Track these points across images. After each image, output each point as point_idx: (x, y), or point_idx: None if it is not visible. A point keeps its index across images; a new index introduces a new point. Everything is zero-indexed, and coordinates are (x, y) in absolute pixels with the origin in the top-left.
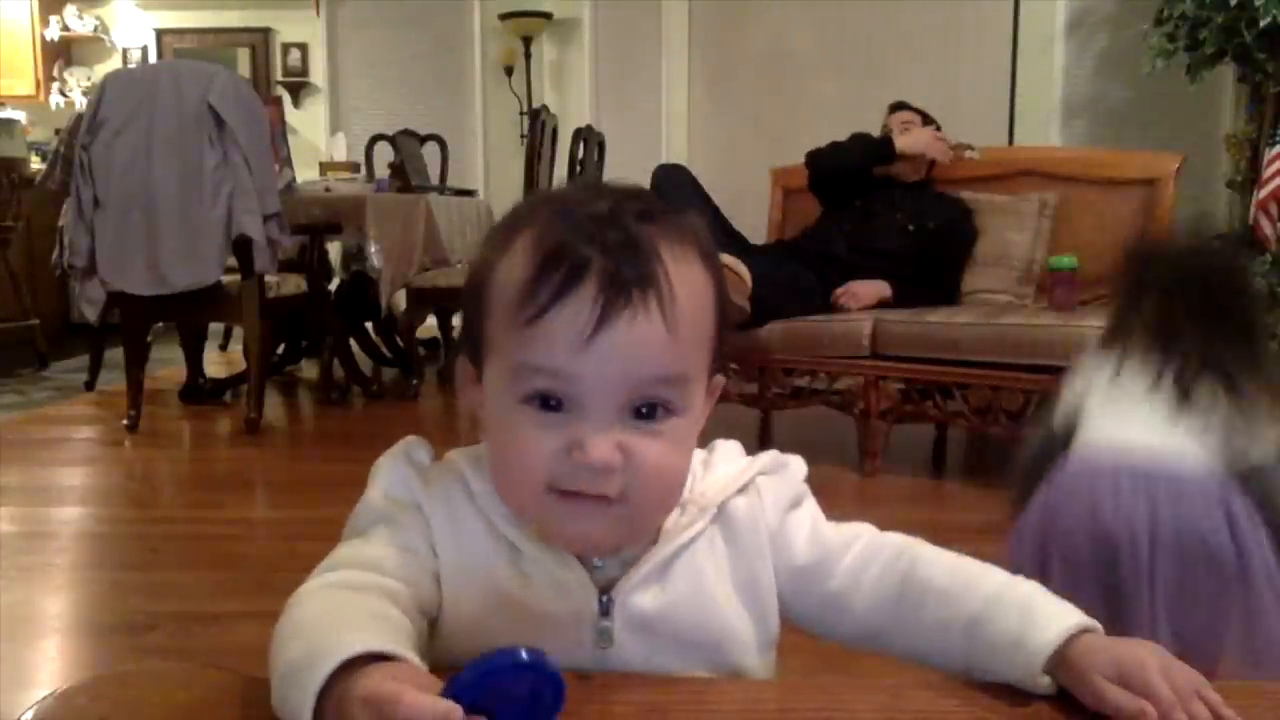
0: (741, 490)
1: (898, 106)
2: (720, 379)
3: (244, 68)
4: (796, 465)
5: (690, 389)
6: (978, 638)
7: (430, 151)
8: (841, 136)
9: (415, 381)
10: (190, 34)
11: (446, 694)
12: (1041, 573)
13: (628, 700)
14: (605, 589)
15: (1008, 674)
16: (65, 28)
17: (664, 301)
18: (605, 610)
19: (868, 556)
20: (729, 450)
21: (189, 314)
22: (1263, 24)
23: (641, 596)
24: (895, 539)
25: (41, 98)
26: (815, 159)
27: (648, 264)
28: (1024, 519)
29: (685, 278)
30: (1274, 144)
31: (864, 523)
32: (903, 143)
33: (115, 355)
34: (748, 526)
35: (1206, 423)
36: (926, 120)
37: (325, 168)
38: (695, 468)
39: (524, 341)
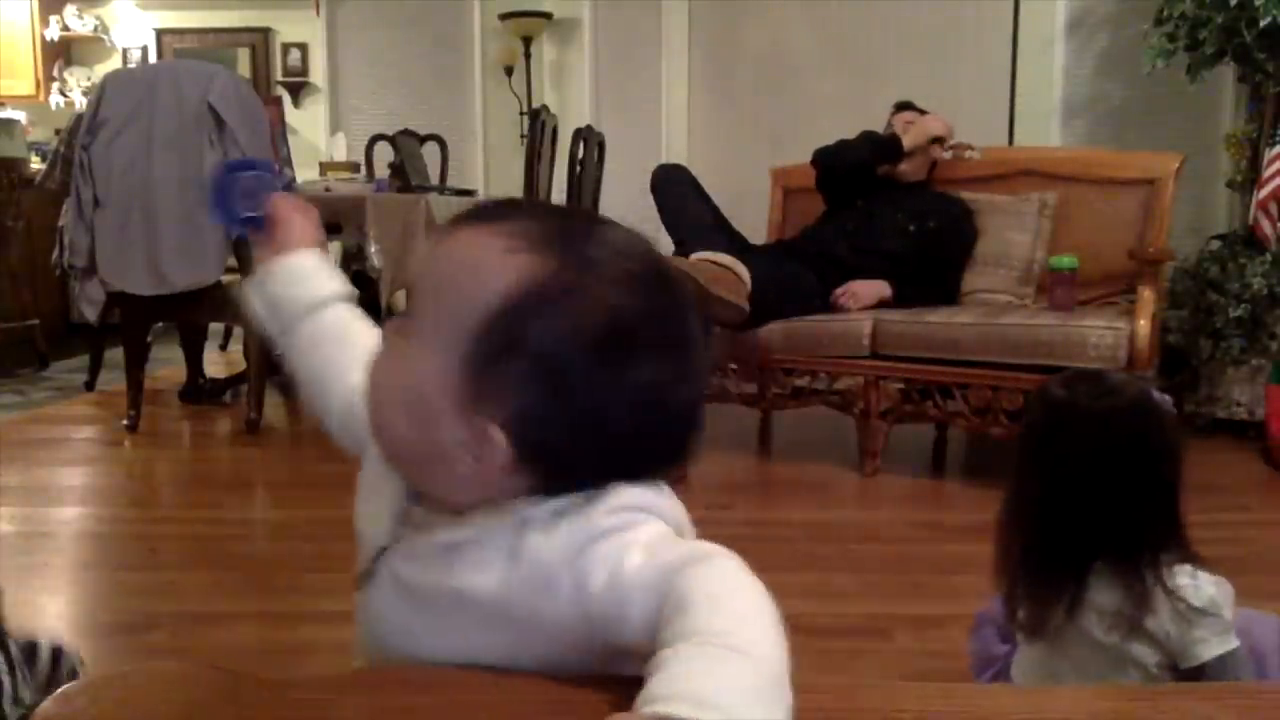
0: (544, 516)
1: (903, 106)
2: (488, 427)
3: (244, 68)
4: (616, 493)
5: (420, 325)
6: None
7: (430, 151)
8: (841, 136)
9: None
10: (190, 34)
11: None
12: None
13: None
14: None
15: None
16: (65, 28)
17: (451, 237)
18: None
19: (657, 604)
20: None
21: (189, 314)
22: (1263, 24)
23: (406, 565)
24: (687, 581)
25: (41, 98)
26: (823, 156)
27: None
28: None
29: (487, 243)
30: (1274, 144)
31: (696, 545)
32: (910, 138)
33: (115, 355)
34: (538, 558)
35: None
36: None
37: (325, 168)
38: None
39: None
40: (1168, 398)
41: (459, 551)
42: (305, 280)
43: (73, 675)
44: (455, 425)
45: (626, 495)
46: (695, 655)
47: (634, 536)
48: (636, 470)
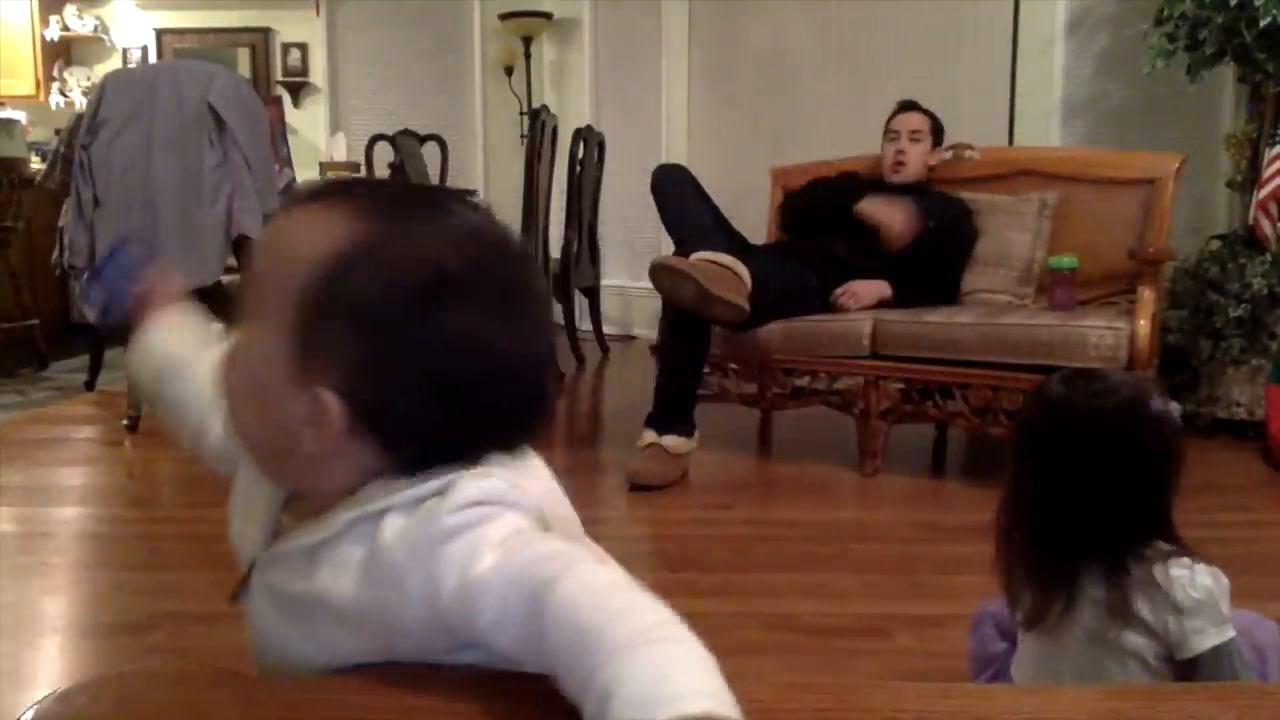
0: (402, 510)
1: (906, 106)
2: (318, 391)
3: (244, 68)
4: (467, 487)
5: (251, 314)
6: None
7: (430, 151)
8: (841, 135)
9: None
10: (190, 34)
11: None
12: None
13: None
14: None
15: None
16: (65, 28)
17: (272, 225)
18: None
19: (508, 608)
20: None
21: None
22: (1263, 24)
23: (274, 572)
24: (536, 579)
25: (41, 98)
26: (791, 204)
27: None
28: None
29: (302, 219)
30: (1274, 144)
31: (554, 545)
32: (864, 208)
33: (115, 355)
34: (391, 555)
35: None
36: (935, 125)
37: (325, 168)
38: (391, 481)
39: None
40: (1174, 404)
41: (320, 553)
42: (173, 330)
43: None
44: (292, 400)
45: (474, 488)
46: (638, 659)
47: (484, 534)
48: (489, 435)
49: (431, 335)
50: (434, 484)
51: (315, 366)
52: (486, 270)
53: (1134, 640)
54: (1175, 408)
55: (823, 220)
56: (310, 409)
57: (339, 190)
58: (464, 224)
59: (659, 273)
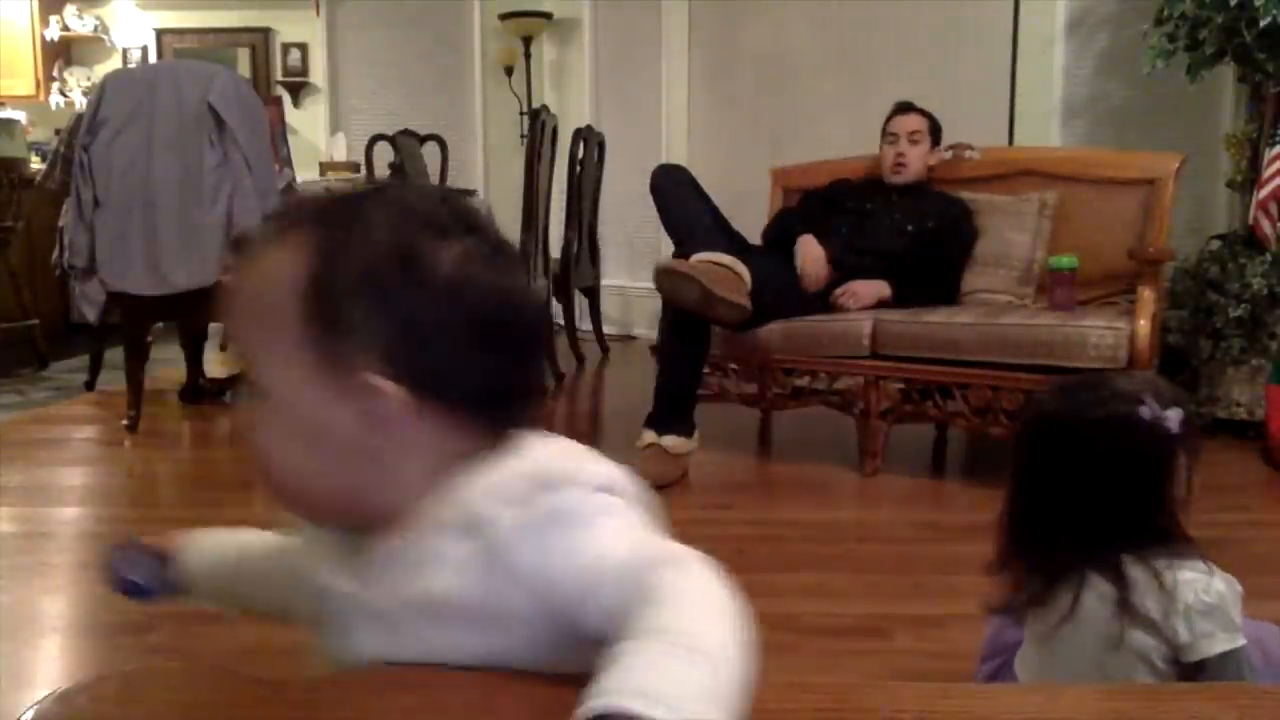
0: (513, 504)
1: (903, 108)
2: (369, 379)
3: (244, 68)
4: (588, 476)
5: (261, 370)
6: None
7: (430, 151)
8: (841, 136)
9: None
10: (190, 34)
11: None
12: None
13: None
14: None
15: None
16: (65, 28)
17: (233, 289)
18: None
19: (623, 599)
20: (535, 453)
21: (189, 314)
22: (1263, 24)
23: (367, 595)
24: (659, 579)
25: (41, 98)
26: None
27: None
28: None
29: (256, 264)
30: (1274, 144)
31: (664, 545)
32: (800, 256)
33: (115, 355)
34: (509, 547)
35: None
36: (934, 126)
37: (325, 168)
38: (472, 472)
39: None
40: (1174, 410)
41: (422, 556)
42: (211, 552)
43: None
44: (342, 407)
45: (596, 477)
46: (655, 651)
47: (607, 523)
48: (523, 372)
49: (433, 279)
50: (534, 473)
51: (348, 359)
52: (453, 214)
53: (1141, 640)
54: (1175, 413)
55: (825, 221)
56: (363, 402)
57: (276, 225)
58: (406, 190)
59: (663, 276)
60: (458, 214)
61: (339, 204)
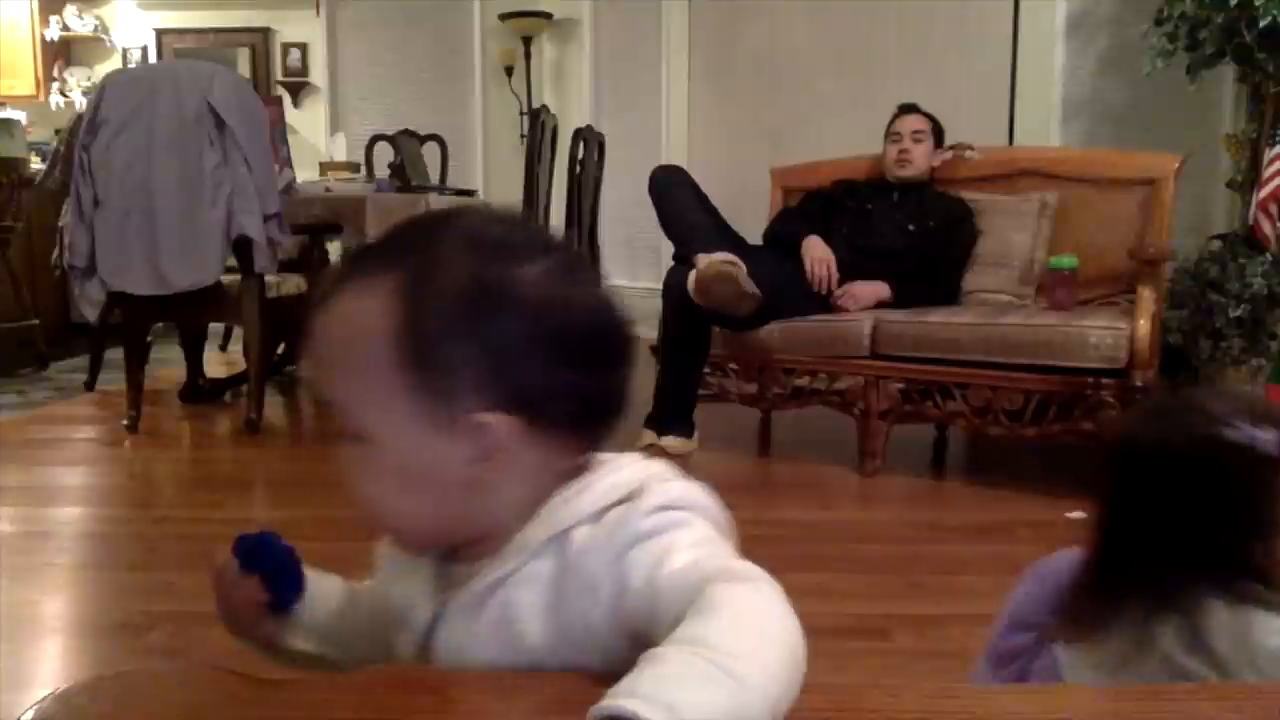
0: (588, 521)
1: (906, 109)
2: (478, 418)
3: (244, 68)
4: (664, 492)
5: (359, 419)
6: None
7: (430, 151)
8: (841, 135)
9: None
10: (190, 34)
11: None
12: None
13: None
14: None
15: None
16: (65, 28)
17: (316, 338)
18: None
19: (685, 610)
20: (618, 470)
21: (189, 314)
22: (1263, 24)
23: (451, 623)
24: (720, 592)
25: (41, 98)
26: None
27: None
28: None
29: (338, 312)
30: (1274, 144)
31: (736, 562)
32: (807, 258)
33: (115, 355)
34: (583, 564)
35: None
36: (936, 127)
37: (325, 168)
38: (568, 493)
39: None
40: (1264, 431)
41: (503, 580)
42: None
43: None
44: (452, 447)
45: (669, 492)
46: (685, 662)
47: (678, 538)
48: (616, 388)
49: (519, 303)
50: (616, 491)
51: (451, 399)
52: (526, 235)
53: (1205, 676)
54: (1272, 434)
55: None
56: (476, 440)
57: (352, 270)
58: (473, 216)
59: (711, 282)
60: (530, 234)
61: (412, 240)
